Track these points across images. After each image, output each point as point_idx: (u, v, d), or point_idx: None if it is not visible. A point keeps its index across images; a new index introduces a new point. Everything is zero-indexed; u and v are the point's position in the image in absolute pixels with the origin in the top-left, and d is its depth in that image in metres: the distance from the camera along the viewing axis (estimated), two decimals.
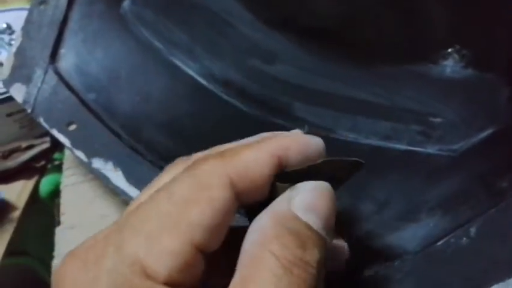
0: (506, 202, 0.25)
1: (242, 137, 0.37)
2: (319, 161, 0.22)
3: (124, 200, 0.35)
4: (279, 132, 0.23)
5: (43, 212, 0.49)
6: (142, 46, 0.41)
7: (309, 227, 0.19)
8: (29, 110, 0.39)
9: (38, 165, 0.49)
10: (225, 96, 0.38)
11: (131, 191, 0.33)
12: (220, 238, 0.19)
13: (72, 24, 0.42)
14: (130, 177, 0.34)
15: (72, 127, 0.37)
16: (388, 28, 0.37)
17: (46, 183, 0.49)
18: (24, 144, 0.48)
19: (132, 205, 0.22)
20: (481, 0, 0.34)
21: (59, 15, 0.42)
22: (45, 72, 0.40)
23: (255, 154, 0.20)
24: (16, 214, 0.47)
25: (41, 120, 0.38)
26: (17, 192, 0.48)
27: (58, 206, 0.44)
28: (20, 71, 0.40)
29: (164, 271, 0.17)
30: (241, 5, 0.41)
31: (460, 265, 0.24)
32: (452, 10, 0.35)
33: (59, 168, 0.47)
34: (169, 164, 0.24)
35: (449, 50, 0.35)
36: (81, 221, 0.41)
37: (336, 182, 0.21)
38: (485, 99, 0.32)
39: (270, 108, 0.37)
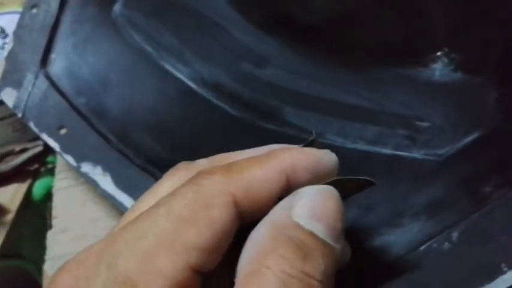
0: (490, 207, 0.25)
1: (231, 142, 0.37)
2: (329, 180, 0.20)
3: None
4: (290, 146, 0.22)
5: (36, 215, 0.49)
6: (132, 50, 0.41)
7: (313, 235, 0.18)
8: (20, 115, 0.39)
9: (31, 168, 0.49)
10: (214, 101, 0.38)
11: (119, 195, 0.33)
12: (218, 258, 0.18)
13: (63, 29, 0.42)
14: (118, 182, 0.34)
15: (63, 131, 0.38)
16: (379, 31, 0.37)
17: (39, 187, 0.49)
18: (17, 148, 0.49)
19: (129, 215, 0.21)
20: (471, 3, 0.35)
21: (50, 20, 0.42)
22: (36, 77, 0.40)
23: (264, 172, 0.19)
24: (9, 217, 0.47)
25: (31, 124, 0.38)
26: (10, 196, 0.48)
27: (50, 209, 0.44)
28: (11, 76, 0.40)
29: None
30: (233, 8, 0.41)
31: (441, 270, 0.24)
32: (443, 13, 0.35)
33: (52, 172, 0.47)
34: (171, 169, 0.23)
35: (439, 53, 0.35)
36: (72, 225, 0.42)
37: (342, 198, 0.21)
38: (472, 103, 0.32)
39: (260, 113, 0.37)
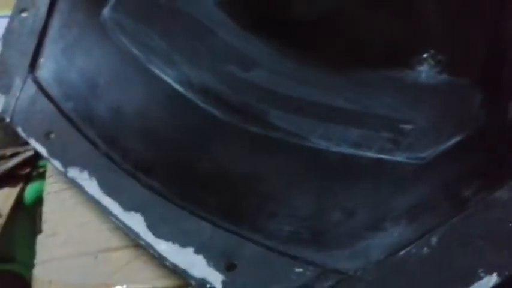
0: (469, 211, 0.25)
1: (218, 146, 0.37)
2: None
3: None
4: None
5: (28, 219, 0.49)
6: (121, 54, 0.41)
7: None
8: (8, 120, 0.39)
9: (23, 172, 0.49)
10: (201, 104, 0.38)
11: (104, 200, 0.33)
12: None
13: (52, 33, 0.42)
14: (104, 186, 0.34)
15: (51, 136, 0.38)
16: (365, 33, 0.37)
17: (30, 191, 0.49)
18: (8, 152, 0.49)
19: None
20: (456, 6, 0.34)
21: (39, 24, 0.42)
22: (24, 82, 0.40)
23: None
24: (1, 221, 0.47)
25: (19, 129, 0.38)
26: (2, 200, 0.48)
27: (40, 213, 0.44)
28: (0, 81, 0.40)
29: None
30: (221, 11, 0.41)
31: (420, 275, 0.24)
32: (429, 15, 0.35)
33: (43, 176, 0.47)
34: None
35: (425, 55, 0.35)
36: (62, 229, 0.42)
37: None
38: (457, 105, 0.32)
39: (246, 116, 0.37)
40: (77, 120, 0.38)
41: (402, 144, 0.30)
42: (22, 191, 0.49)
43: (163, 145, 0.37)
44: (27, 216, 0.50)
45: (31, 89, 0.40)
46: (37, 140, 0.37)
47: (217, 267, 0.28)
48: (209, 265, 0.29)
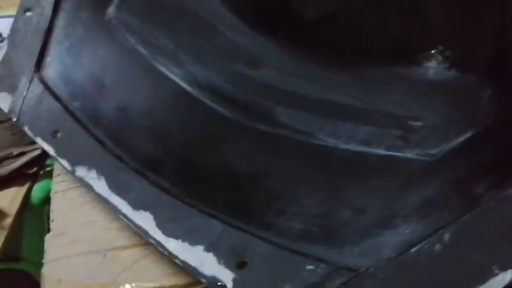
0: (482, 208, 0.25)
1: (225, 143, 0.37)
2: None
3: None
4: None
5: (36, 218, 0.49)
6: (127, 53, 0.41)
7: None
8: (14, 119, 0.39)
9: (30, 172, 0.49)
10: (208, 102, 0.38)
11: (113, 198, 0.33)
12: None
13: (57, 32, 0.42)
14: (112, 185, 0.34)
15: (58, 135, 0.38)
16: (372, 30, 0.37)
17: (38, 190, 0.49)
18: (15, 151, 0.49)
19: None
20: (464, 2, 0.34)
21: (44, 23, 0.42)
22: (31, 81, 0.40)
23: None
24: (8, 221, 0.47)
25: (26, 128, 0.38)
26: (10, 199, 0.48)
27: (48, 213, 0.44)
28: (6, 80, 0.40)
29: None
30: (227, 10, 0.41)
31: (433, 272, 0.24)
32: (437, 11, 0.35)
33: (51, 175, 0.47)
34: None
35: (433, 52, 0.35)
36: (70, 228, 0.42)
37: None
38: (466, 102, 0.32)
39: (253, 114, 0.37)
40: (84, 119, 0.38)
41: (412, 141, 0.30)
42: (29, 190, 0.49)
43: (171, 143, 0.37)
44: (35, 215, 0.50)
45: (37, 88, 0.40)
46: (44, 138, 0.37)
47: (227, 265, 0.28)
48: (219, 263, 0.29)
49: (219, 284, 0.28)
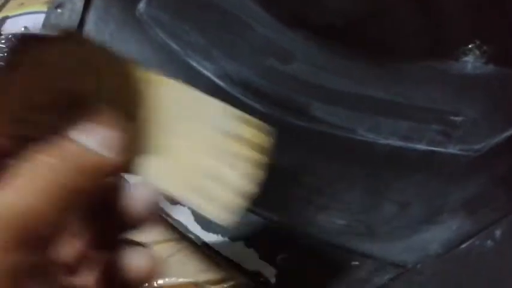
0: None
1: None
2: None
3: None
4: None
5: None
6: (158, 48, 0.41)
7: (71, 140, 0.19)
8: None
9: None
10: (242, 98, 0.38)
11: None
12: None
13: (88, 27, 0.42)
14: None
15: None
16: (407, 25, 0.36)
17: None
18: None
19: None
20: None
21: (76, 19, 0.42)
22: None
23: None
24: None
25: None
26: None
27: None
28: None
29: None
30: (258, 5, 0.41)
31: (484, 268, 0.24)
32: (473, 6, 0.35)
33: None
34: None
35: (470, 46, 0.35)
36: None
37: None
38: (507, 97, 0.32)
39: (288, 109, 0.36)
40: None
41: (453, 136, 0.30)
42: None
43: None
44: None
45: None
46: None
47: (270, 261, 0.28)
48: (261, 258, 0.29)
49: (261, 279, 0.28)
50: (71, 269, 0.22)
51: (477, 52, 0.34)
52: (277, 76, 0.38)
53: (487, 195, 0.26)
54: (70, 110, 0.21)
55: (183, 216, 0.32)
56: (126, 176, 0.22)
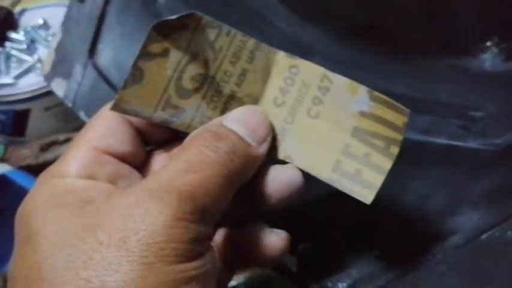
0: None
1: None
2: None
3: None
4: None
5: None
6: None
7: (231, 131, 0.23)
8: (70, 105, 0.40)
9: None
10: None
11: None
12: (121, 142, 0.24)
13: (109, 20, 0.43)
14: None
15: None
16: (425, 21, 0.37)
17: None
18: (61, 137, 0.50)
19: None
20: None
21: (97, 11, 0.43)
22: (85, 67, 0.40)
23: None
24: None
25: (82, 114, 0.39)
26: None
27: None
28: (61, 66, 0.41)
29: (72, 170, 0.23)
30: (278, 0, 0.41)
31: (506, 258, 0.24)
32: (490, 3, 0.35)
33: None
34: None
35: (488, 44, 0.35)
36: None
37: None
38: None
39: None
40: None
41: (474, 130, 0.30)
42: None
43: None
44: None
45: (91, 74, 0.40)
46: None
47: (290, 250, 0.29)
48: None
49: (283, 268, 0.28)
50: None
51: (495, 49, 0.35)
52: None
53: (507, 188, 0.27)
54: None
55: None
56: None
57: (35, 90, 0.51)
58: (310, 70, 0.25)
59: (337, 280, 0.27)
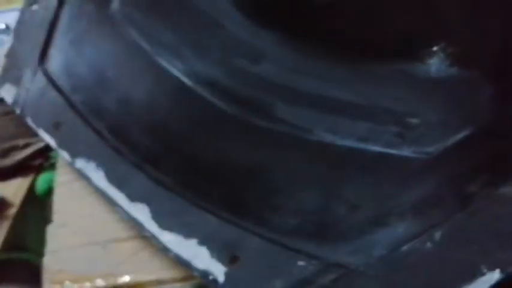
0: (474, 207, 0.24)
1: (224, 138, 0.37)
2: None
3: None
4: None
5: (40, 209, 0.50)
6: (129, 47, 0.41)
7: None
8: (18, 111, 0.39)
9: (35, 163, 0.50)
10: (209, 97, 0.38)
11: (111, 191, 0.34)
12: None
13: (61, 25, 0.42)
14: (111, 178, 0.34)
15: (59, 127, 0.38)
16: (374, 25, 0.36)
17: (42, 181, 0.50)
18: (21, 143, 0.49)
19: None
20: None
21: (49, 16, 0.42)
22: (34, 74, 0.40)
23: None
24: (13, 211, 0.48)
25: (29, 120, 0.39)
26: (14, 190, 0.49)
27: (51, 203, 0.45)
28: (11, 72, 0.41)
29: None
30: (231, 5, 0.41)
31: (423, 270, 0.24)
32: (440, 7, 0.35)
33: (55, 166, 0.48)
34: None
35: (435, 48, 0.35)
36: (71, 219, 0.42)
37: None
38: (466, 99, 0.32)
39: (252, 109, 0.37)
40: (85, 112, 0.38)
41: (408, 138, 0.30)
42: (34, 181, 0.50)
43: (170, 138, 0.37)
44: (39, 206, 0.50)
45: (41, 80, 0.40)
46: (46, 130, 0.38)
47: (220, 259, 0.28)
48: (212, 257, 0.29)
49: (210, 277, 0.28)
50: None
51: (442, 54, 0.34)
52: (245, 76, 0.38)
53: (435, 198, 0.26)
54: None
55: (139, 214, 0.32)
56: None
57: None
58: None
59: None
